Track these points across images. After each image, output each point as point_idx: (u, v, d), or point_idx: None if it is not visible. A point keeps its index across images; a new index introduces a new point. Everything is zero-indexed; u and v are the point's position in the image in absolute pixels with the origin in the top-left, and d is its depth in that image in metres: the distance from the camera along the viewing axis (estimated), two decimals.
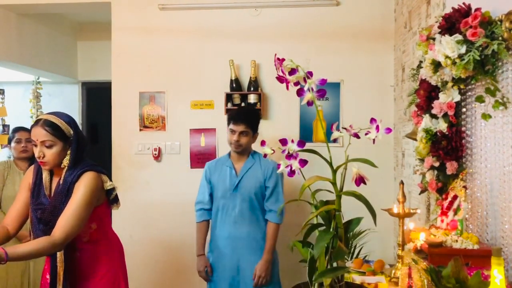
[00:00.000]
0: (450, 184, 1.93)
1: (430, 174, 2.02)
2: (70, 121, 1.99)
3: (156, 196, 3.63)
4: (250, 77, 3.47)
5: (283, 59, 1.33)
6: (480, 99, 1.75)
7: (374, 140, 1.37)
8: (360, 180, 1.34)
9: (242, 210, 2.72)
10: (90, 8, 3.90)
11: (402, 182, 2.11)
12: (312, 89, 1.32)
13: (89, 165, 1.97)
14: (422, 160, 2.07)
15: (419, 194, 2.25)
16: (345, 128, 1.40)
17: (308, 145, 1.36)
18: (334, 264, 1.37)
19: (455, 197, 1.87)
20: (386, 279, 2.09)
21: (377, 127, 1.36)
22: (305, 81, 1.32)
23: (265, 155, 1.41)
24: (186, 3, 3.58)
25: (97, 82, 5.29)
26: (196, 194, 2.89)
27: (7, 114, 4.02)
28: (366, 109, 3.40)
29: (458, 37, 1.73)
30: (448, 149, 1.91)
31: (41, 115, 1.99)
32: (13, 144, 3.29)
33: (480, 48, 1.66)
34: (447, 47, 1.73)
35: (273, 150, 1.40)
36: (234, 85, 3.47)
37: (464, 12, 1.78)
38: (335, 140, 3.21)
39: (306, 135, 3.48)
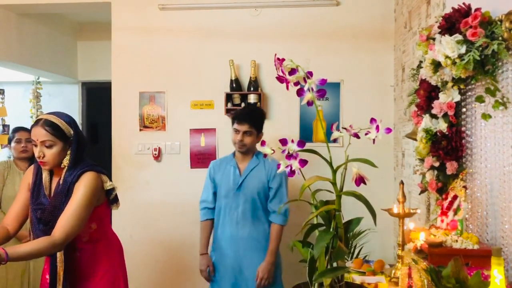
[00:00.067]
0: (450, 184, 1.93)
1: (430, 174, 2.02)
2: (70, 121, 1.99)
3: (156, 196, 3.63)
4: (250, 77, 3.47)
5: (283, 59, 1.33)
6: (480, 99, 1.75)
7: (374, 140, 1.37)
8: (360, 180, 1.34)
9: (245, 211, 2.70)
10: (90, 8, 3.90)
11: (402, 182, 2.11)
12: (312, 89, 1.32)
13: (89, 165, 1.97)
14: (422, 160, 2.07)
15: (419, 194, 2.25)
16: (345, 128, 1.40)
17: (308, 145, 1.36)
18: (334, 264, 1.37)
19: (455, 197, 1.87)
20: (386, 279, 2.08)
21: (377, 127, 1.36)
22: (305, 81, 1.32)
23: (265, 155, 1.41)
24: (186, 3, 3.58)
25: (97, 82, 5.29)
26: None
27: (7, 114, 4.02)
28: (366, 109, 3.40)
29: (458, 37, 1.73)
30: (448, 149, 1.91)
31: (41, 115, 1.99)
32: (13, 144, 3.29)
33: (480, 48, 1.66)
34: (447, 47, 1.73)
35: (273, 150, 1.40)
36: (234, 85, 3.47)
37: (464, 12, 1.78)
38: (335, 140, 3.21)
39: (306, 135, 3.48)
